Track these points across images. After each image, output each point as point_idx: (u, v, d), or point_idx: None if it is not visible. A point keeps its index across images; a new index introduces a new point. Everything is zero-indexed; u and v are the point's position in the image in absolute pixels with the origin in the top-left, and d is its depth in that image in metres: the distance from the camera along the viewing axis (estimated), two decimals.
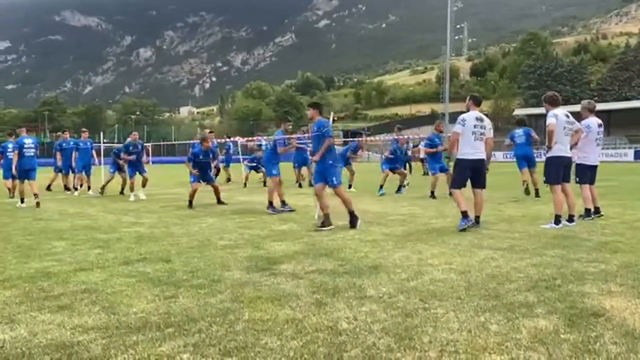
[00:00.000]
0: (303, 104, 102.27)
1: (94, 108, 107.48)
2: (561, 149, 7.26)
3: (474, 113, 7.41)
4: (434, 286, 4.21)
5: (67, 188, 15.20)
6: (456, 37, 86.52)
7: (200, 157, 11.04)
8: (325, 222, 7.39)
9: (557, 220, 7.25)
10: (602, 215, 8.12)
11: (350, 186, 14.30)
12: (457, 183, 7.39)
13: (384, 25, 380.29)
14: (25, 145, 11.47)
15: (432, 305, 3.70)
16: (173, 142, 58.28)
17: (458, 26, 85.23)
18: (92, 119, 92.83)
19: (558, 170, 7.31)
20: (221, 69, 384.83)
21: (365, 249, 5.82)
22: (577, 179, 8.12)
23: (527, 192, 11.92)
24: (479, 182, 7.44)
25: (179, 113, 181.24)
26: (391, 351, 2.88)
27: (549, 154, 7.31)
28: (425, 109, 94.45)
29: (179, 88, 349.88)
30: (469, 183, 7.53)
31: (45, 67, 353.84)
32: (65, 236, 7.02)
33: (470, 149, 7.22)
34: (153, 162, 43.24)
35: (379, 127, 77.07)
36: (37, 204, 10.87)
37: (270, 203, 9.55)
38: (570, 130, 7.39)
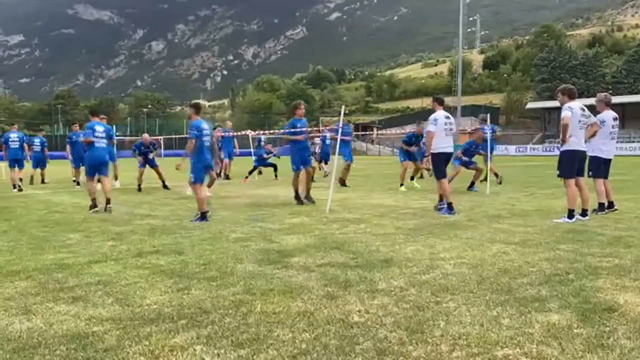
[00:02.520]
0: (314, 97, 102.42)
1: (107, 101, 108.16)
2: (576, 142, 7.19)
3: (443, 112, 8.43)
4: (446, 280, 4.20)
5: (77, 182, 15.27)
6: (469, 30, 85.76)
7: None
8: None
9: (571, 214, 7.19)
10: (616, 209, 8.06)
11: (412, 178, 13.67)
12: (441, 173, 8.36)
13: (395, 17, 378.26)
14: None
15: (444, 299, 3.69)
16: (185, 136, 58.46)
17: (471, 18, 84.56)
18: (105, 112, 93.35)
19: (572, 164, 7.24)
20: (232, 62, 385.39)
21: (376, 242, 5.82)
22: (591, 173, 8.05)
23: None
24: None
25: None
26: (403, 344, 2.88)
27: (563, 148, 7.25)
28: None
29: (191, 81, 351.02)
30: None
31: (58, 61, 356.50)
32: (79, 228, 7.09)
33: (444, 143, 8.35)
34: (165, 156, 43.42)
35: (391, 120, 76.83)
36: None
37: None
38: (585, 123, 7.32)
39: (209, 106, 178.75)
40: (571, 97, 7.32)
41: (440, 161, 8.35)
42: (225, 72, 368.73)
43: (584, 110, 7.30)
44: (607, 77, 69.09)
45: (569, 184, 7.27)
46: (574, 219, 7.16)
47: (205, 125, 7.96)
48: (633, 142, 53.49)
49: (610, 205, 8.07)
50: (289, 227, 6.99)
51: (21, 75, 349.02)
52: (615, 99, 53.61)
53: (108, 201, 9.01)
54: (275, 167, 16.72)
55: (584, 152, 7.37)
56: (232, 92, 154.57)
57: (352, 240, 5.95)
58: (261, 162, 16.60)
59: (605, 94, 8.17)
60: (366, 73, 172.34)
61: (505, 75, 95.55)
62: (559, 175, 7.42)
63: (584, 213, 7.36)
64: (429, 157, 8.51)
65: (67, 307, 3.64)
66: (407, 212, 8.36)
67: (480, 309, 3.48)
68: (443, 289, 3.96)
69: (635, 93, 61.12)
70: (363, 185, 14.20)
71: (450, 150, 8.52)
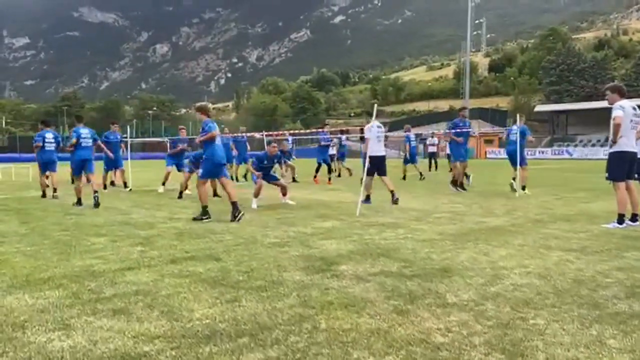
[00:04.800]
0: (320, 100, 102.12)
1: (112, 103, 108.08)
2: (626, 143, 6.81)
3: (376, 122, 9.90)
4: (519, 292, 3.82)
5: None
6: (474, 33, 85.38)
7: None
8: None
9: (621, 219, 6.80)
10: None
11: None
12: (371, 171, 9.80)
13: (399, 20, 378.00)
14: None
15: (528, 315, 3.31)
16: (192, 137, 58.14)
17: (476, 21, 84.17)
18: (110, 114, 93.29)
19: (622, 166, 6.86)
20: (236, 64, 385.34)
21: (424, 249, 5.44)
22: (637, 176, 7.65)
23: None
24: (384, 171, 10.11)
25: (194, 109, 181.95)
26: None
27: (613, 149, 6.86)
28: (443, 105, 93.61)
29: (195, 84, 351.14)
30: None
31: (63, 63, 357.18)
32: (102, 232, 6.72)
33: (377, 148, 9.87)
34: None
35: (397, 123, 76.42)
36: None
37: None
38: (637, 123, 6.93)
39: (213, 108, 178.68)
40: (621, 95, 6.94)
41: (373, 163, 9.73)
42: (229, 75, 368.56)
43: (635, 109, 6.92)
44: (617, 80, 68.54)
45: (619, 187, 6.88)
46: (624, 225, 6.77)
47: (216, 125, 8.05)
48: None
49: None
50: (323, 232, 6.61)
51: (26, 77, 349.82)
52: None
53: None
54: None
55: (634, 154, 6.97)
56: (237, 95, 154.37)
57: (396, 247, 5.56)
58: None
59: None
60: (370, 76, 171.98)
61: (511, 78, 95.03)
62: (607, 178, 7.02)
63: (634, 218, 6.97)
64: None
65: (108, 321, 3.27)
66: (441, 217, 7.97)
67: (575, 326, 3.09)
68: (521, 302, 3.57)
69: None
70: (379, 188, 13.77)
71: (383, 154, 10.02)
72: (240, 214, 7.67)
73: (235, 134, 18.23)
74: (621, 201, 6.84)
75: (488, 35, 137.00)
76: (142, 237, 6.29)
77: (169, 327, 3.15)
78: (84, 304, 3.62)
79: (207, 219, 7.72)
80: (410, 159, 17.76)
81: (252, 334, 3.01)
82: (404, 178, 17.03)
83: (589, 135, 61.67)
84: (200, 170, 8.38)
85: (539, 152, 56.88)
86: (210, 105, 9.04)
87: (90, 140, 10.62)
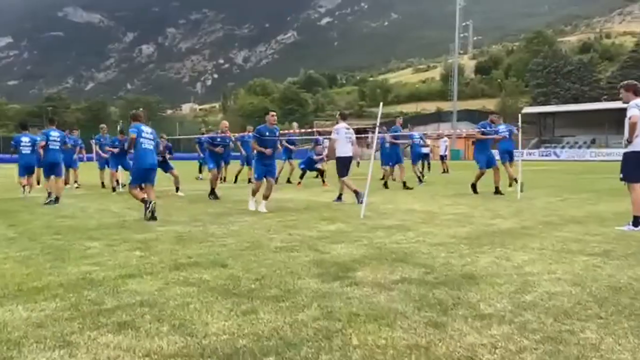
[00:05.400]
0: (308, 101, 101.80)
1: (98, 104, 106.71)
2: None
3: (344, 124, 10.53)
4: (557, 301, 3.55)
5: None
6: (461, 35, 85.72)
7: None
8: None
9: (636, 221, 6.59)
10: None
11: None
12: (343, 173, 10.29)
13: (386, 23, 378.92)
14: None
15: (575, 327, 3.03)
16: (178, 137, 57.45)
17: (463, 24, 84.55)
18: (96, 115, 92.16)
19: (638, 167, 6.64)
20: (223, 66, 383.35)
21: (441, 253, 5.16)
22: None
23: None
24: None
25: (181, 110, 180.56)
26: None
27: (629, 149, 6.65)
28: (430, 107, 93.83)
29: (181, 85, 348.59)
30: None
31: (48, 63, 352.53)
32: (96, 236, 6.35)
33: (345, 149, 10.31)
34: None
35: (385, 125, 76.37)
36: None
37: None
38: None
39: (200, 109, 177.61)
40: (636, 94, 6.74)
41: (342, 164, 10.28)
42: (216, 76, 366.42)
43: None
44: (602, 82, 69.20)
45: (634, 188, 6.66)
46: (639, 227, 6.55)
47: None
48: None
49: None
50: (330, 235, 6.31)
51: (9, 77, 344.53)
52: (612, 105, 53.76)
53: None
54: (322, 172, 15.58)
55: None
56: (223, 96, 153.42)
57: (411, 251, 5.28)
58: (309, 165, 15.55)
59: None
60: (357, 78, 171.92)
61: (498, 80, 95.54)
62: (622, 179, 6.80)
63: None
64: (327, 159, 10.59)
65: (114, 337, 2.94)
66: (449, 219, 7.71)
67: (630, 341, 2.83)
68: (562, 313, 3.30)
69: None
70: (375, 189, 13.50)
71: (350, 154, 10.40)
72: (151, 208, 7.81)
73: (243, 133, 17.84)
74: (637, 203, 6.63)
75: (475, 38, 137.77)
76: (140, 241, 5.94)
77: (184, 344, 2.83)
78: (84, 317, 3.28)
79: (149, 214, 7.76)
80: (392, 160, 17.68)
81: (278, 352, 2.70)
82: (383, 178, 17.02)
83: (575, 137, 62.14)
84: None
85: (527, 154, 57.09)
86: (141, 112, 8.94)
87: (59, 144, 10.85)
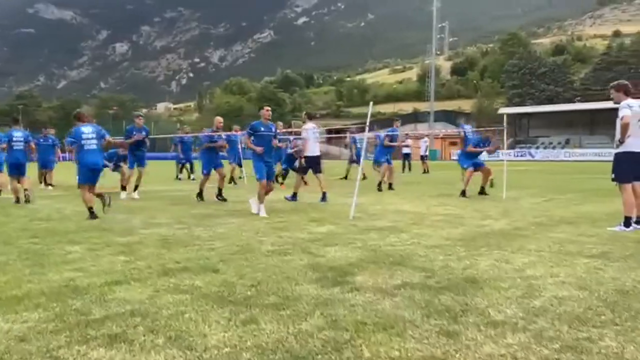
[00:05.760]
0: (286, 100, 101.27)
1: (70, 103, 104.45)
2: (633, 143, 6.56)
3: (312, 124, 10.67)
4: (567, 307, 3.43)
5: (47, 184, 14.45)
6: (438, 37, 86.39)
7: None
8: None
9: (628, 222, 6.56)
10: None
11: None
12: (304, 170, 10.78)
13: (362, 24, 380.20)
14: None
15: (592, 335, 2.92)
16: (154, 136, 56.61)
17: (439, 25, 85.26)
18: (69, 114, 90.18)
19: (630, 168, 6.61)
20: (198, 64, 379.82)
21: (438, 256, 5.03)
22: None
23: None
24: (319, 169, 10.60)
25: (155, 109, 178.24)
26: None
27: (620, 149, 6.61)
28: (407, 107, 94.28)
29: (156, 83, 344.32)
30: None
31: (18, 61, 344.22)
32: (76, 239, 6.06)
33: (314, 148, 10.56)
34: None
35: (363, 125, 76.41)
36: None
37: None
38: None
39: (175, 108, 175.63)
40: (627, 94, 6.69)
41: (310, 163, 10.51)
42: (191, 75, 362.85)
43: None
44: (576, 84, 70.39)
45: (625, 189, 6.63)
46: (631, 228, 6.53)
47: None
48: (603, 147, 54.38)
49: None
50: (322, 237, 6.13)
51: None
52: (585, 106, 54.61)
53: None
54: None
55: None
56: (199, 95, 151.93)
57: (407, 254, 5.14)
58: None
59: None
60: (334, 78, 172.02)
61: (474, 81, 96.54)
62: (613, 180, 6.77)
63: (638, 221, 6.73)
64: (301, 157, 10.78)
65: (106, 352, 2.72)
66: (440, 220, 7.60)
67: None
68: (575, 319, 3.18)
69: (604, 100, 62.26)
70: (360, 189, 13.34)
71: (318, 153, 10.65)
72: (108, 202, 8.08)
73: (229, 133, 17.50)
74: (628, 203, 6.60)
75: (450, 39, 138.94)
76: (123, 245, 5.67)
77: (183, 359, 2.62)
78: (71, 329, 3.05)
79: (93, 218, 7.77)
80: (356, 160, 17.68)
81: None
82: (346, 177, 17.66)
83: (550, 138, 63.04)
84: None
85: (502, 154, 57.74)
86: (84, 111, 8.83)
87: (22, 144, 10.66)
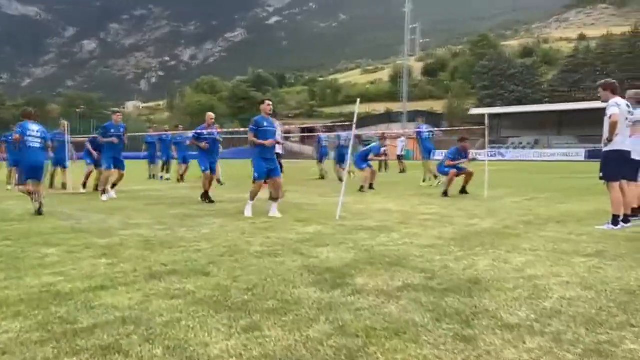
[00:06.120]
0: (258, 99, 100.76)
1: (36, 101, 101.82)
2: (622, 142, 6.57)
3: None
4: (578, 308, 3.33)
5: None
6: (410, 38, 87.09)
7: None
8: None
9: (615, 221, 6.56)
10: None
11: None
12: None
13: (334, 24, 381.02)
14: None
15: (613, 338, 2.81)
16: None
17: (411, 26, 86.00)
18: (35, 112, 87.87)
19: (618, 166, 6.62)
20: (169, 63, 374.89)
21: (434, 256, 4.90)
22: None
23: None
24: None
25: (124, 108, 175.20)
26: None
27: (608, 147, 6.60)
28: (380, 107, 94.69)
29: (125, 82, 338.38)
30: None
31: None
32: (53, 241, 5.74)
33: (275, 147, 9.66)
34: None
35: (336, 125, 76.45)
36: None
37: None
38: (631, 121, 6.71)
39: (144, 107, 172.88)
40: (614, 92, 6.70)
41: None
42: (161, 73, 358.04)
43: (628, 106, 6.71)
44: (544, 85, 71.70)
45: (614, 187, 6.63)
46: (619, 226, 6.53)
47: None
48: (570, 148, 55.55)
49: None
50: (310, 237, 5.94)
51: None
52: (552, 107, 55.70)
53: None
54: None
55: (630, 153, 6.75)
56: (170, 94, 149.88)
57: (402, 254, 4.99)
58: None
59: (636, 91, 7.60)
60: (307, 78, 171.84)
61: (445, 82, 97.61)
62: (601, 178, 6.76)
63: (625, 219, 6.74)
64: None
65: None
66: (427, 219, 7.50)
67: None
68: (590, 321, 3.08)
69: (571, 101, 63.65)
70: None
71: (279, 152, 10.44)
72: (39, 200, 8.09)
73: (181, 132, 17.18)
74: (616, 202, 6.60)
75: (422, 40, 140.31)
76: (104, 247, 5.39)
77: None
78: (58, 340, 2.80)
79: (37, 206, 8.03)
80: (319, 158, 17.89)
81: None
82: (322, 177, 17.51)
83: (520, 138, 64.09)
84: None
85: (475, 154, 58.48)
86: (31, 110, 8.84)
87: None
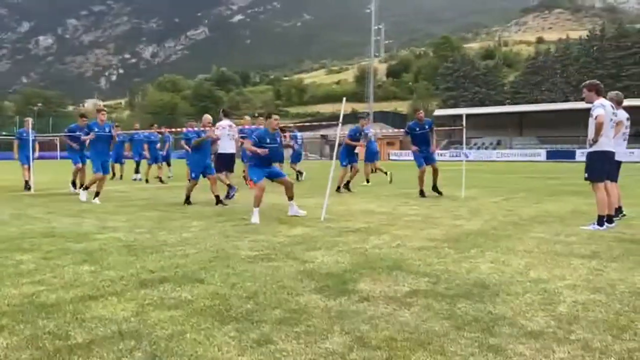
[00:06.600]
0: (223, 98, 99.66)
1: None
2: (606, 142, 6.61)
3: (227, 121, 11.22)
4: (595, 312, 3.25)
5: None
6: (375, 39, 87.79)
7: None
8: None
9: (601, 221, 6.59)
10: (625, 214, 7.60)
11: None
12: (221, 169, 10.69)
13: (299, 24, 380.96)
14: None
15: None
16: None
17: (375, 28, 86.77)
18: None
19: (603, 166, 6.66)
20: (129, 60, 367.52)
21: (432, 259, 4.78)
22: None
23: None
24: (231, 168, 11.16)
25: (83, 106, 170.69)
26: None
27: (593, 148, 6.62)
28: (345, 107, 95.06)
29: (84, 79, 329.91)
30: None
31: None
32: (25, 246, 5.38)
33: (227, 146, 10.93)
34: (62, 157, 39.79)
35: (303, 125, 76.29)
36: None
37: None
38: (614, 122, 6.77)
39: (104, 106, 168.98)
40: (599, 94, 6.72)
41: (223, 160, 10.66)
42: (121, 71, 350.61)
43: (613, 107, 6.76)
44: (506, 87, 73.31)
45: (599, 188, 6.66)
46: (604, 227, 6.56)
47: None
48: (532, 148, 56.86)
49: (620, 210, 7.60)
50: (300, 240, 5.75)
51: None
52: (514, 108, 57.12)
53: None
54: None
55: (614, 154, 6.80)
56: (131, 92, 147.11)
57: (399, 257, 4.86)
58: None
59: (617, 92, 7.68)
60: (271, 77, 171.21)
61: (409, 83, 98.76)
62: (586, 179, 6.79)
63: (609, 219, 6.79)
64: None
65: None
66: (412, 220, 7.40)
67: None
68: (614, 327, 2.99)
69: (532, 102, 65.26)
70: (316, 189, 13.05)
71: (232, 151, 11.05)
72: None
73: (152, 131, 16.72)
74: (601, 202, 6.63)
75: (387, 42, 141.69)
76: (82, 252, 5.07)
77: None
78: (52, 359, 2.53)
79: None
80: (294, 158, 17.61)
81: None
82: (297, 179, 16.77)
83: (482, 139, 65.29)
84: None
85: (439, 155, 59.21)
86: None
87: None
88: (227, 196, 10.13)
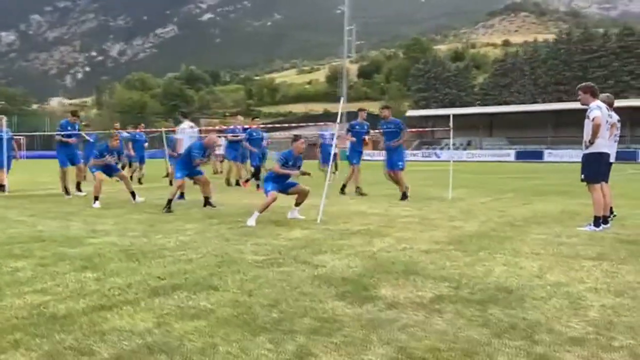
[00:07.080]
0: (193, 97, 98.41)
1: None
2: (603, 144, 6.67)
3: (188, 123, 11.43)
4: (628, 317, 3.24)
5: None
6: (347, 39, 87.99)
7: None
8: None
9: (597, 222, 6.65)
10: (615, 215, 7.69)
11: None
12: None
13: (269, 23, 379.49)
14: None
15: None
16: (50, 134, 52.52)
17: (347, 28, 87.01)
18: None
19: (599, 168, 6.72)
20: (96, 58, 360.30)
21: (444, 262, 4.72)
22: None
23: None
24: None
25: (48, 104, 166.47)
26: None
27: (590, 150, 6.68)
28: (318, 107, 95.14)
29: (48, 77, 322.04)
30: None
31: None
32: (16, 252, 5.10)
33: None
34: (28, 157, 38.69)
35: (275, 125, 75.94)
36: None
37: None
38: (609, 124, 6.83)
39: (70, 104, 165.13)
40: (594, 95, 6.78)
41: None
42: (87, 69, 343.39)
43: (608, 109, 6.82)
44: (476, 88, 74.41)
45: (595, 189, 6.72)
46: (600, 228, 6.62)
47: None
48: (501, 149, 57.84)
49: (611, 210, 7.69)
50: (303, 243, 5.61)
51: None
52: (483, 109, 58.11)
53: None
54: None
55: (609, 155, 6.87)
56: (98, 90, 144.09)
57: (410, 260, 4.78)
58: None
59: (608, 94, 7.77)
60: (242, 76, 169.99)
61: (381, 84, 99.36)
62: (583, 180, 6.84)
63: (605, 220, 6.85)
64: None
65: None
66: (409, 221, 7.34)
67: None
68: None
69: (501, 104, 66.41)
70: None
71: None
72: None
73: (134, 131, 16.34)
74: (598, 203, 6.69)
75: (358, 42, 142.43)
76: (79, 258, 4.83)
77: None
78: None
79: None
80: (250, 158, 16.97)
81: None
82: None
83: (453, 139, 66.17)
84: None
85: (411, 155, 59.72)
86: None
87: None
88: (180, 197, 10.04)
